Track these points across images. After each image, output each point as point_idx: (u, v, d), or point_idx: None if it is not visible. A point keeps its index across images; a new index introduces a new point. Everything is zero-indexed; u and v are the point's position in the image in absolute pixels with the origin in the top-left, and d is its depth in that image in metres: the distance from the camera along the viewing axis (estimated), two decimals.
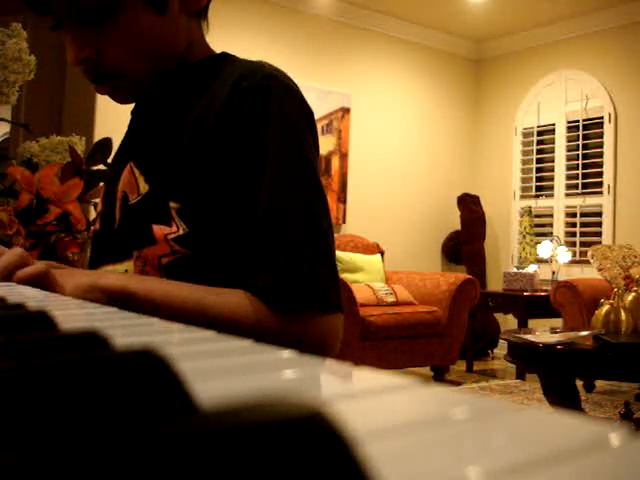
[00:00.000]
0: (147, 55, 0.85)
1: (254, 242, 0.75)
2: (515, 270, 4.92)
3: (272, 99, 0.78)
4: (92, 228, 1.06)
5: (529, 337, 2.86)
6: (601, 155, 5.07)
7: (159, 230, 0.79)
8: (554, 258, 4.91)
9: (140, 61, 0.85)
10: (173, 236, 0.79)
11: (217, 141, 0.78)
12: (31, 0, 0.84)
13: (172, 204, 0.79)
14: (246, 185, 0.77)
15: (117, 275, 0.79)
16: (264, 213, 0.75)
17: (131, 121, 0.96)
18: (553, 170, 5.35)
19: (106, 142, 1.61)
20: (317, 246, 0.75)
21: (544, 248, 4.90)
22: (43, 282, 0.72)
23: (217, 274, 0.78)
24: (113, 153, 1.01)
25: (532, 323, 4.59)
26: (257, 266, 0.75)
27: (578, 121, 5.21)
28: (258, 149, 0.77)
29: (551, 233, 5.26)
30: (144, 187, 0.83)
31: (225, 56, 0.90)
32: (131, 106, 0.96)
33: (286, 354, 0.28)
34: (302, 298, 0.73)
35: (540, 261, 5.03)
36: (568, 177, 5.26)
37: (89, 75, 0.86)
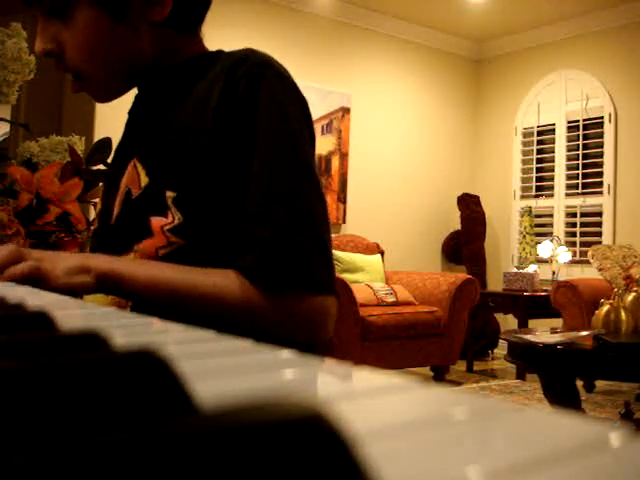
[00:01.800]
0: (101, 58, 0.85)
1: (243, 225, 0.76)
2: (515, 270, 4.91)
3: (263, 86, 0.79)
4: (92, 228, 1.06)
5: (529, 337, 2.86)
6: (601, 155, 5.06)
7: (156, 222, 0.80)
8: (554, 258, 4.91)
9: (95, 63, 0.86)
10: (169, 227, 0.79)
11: (212, 129, 0.79)
12: None
13: (168, 193, 0.80)
14: (237, 172, 0.78)
15: (104, 257, 0.79)
16: (252, 197, 0.76)
17: (128, 120, 0.96)
18: (553, 170, 5.35)
19: (106, 142, 1.61)
20: (306, 227, 0.75)
21: (544, 248, 4.90)
22: (34, 278, 0.72)
23: (213, 263, 0.78)
24: (112, 154, 1.01)
25: (532, 323, 4.59)
26: (245, 247, 0.75)
27: (578, 121, 5.21)
28: (248, 135, 0.78)
29: (551, 233, 5.26)
30: (145, 180, 0.83)
31: (220, 52, 0.91)
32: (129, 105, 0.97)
33: (286, 354, 0.28)
34: (288, 278, 0.73)
35: (540, 261, 5.03)
36: (568, 177, 5.26)
37: (61, 70, 0.88)
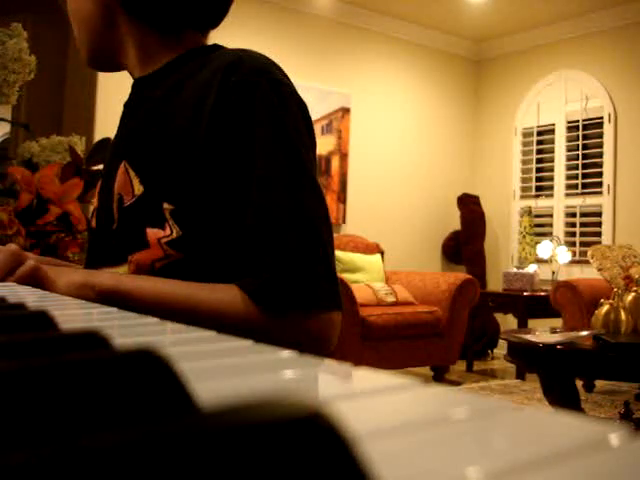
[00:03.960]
0: (75, 25, 0.94)
1: (245, 244, 0.75)
2: (515, 270, 4.91)
3: (258, 95, 0.77)
4: (89, 226, 1.05)
5: (529, 337, 2.86)
6: (601, 155, 5.07)
7: (153, 234, 0.78)
8: (554, 258, 4.91)
9: (75, 27, 0.95)
10: (167, 240, 0.77)
11: (209, 139, 0.77)
12: None
13: (166, 205, 0.78)
14: (235, 185, 0.76)
15: (108, 274, 0.78)
16: (254, 214, 0.74)
17: (123, 114, 0.95)
18: (553, 170, 5.35)
19: (106, 142, 1.61)
20: (309, 243, 0.74)
21: (544, 248, 4.90)
22: (35, 280, 0.72)
23: (211, 277, 0.77)
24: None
25: (532, 323, 4.59)
26: (247, 267, 0.74)
27: (578, 121, 5.21)
28: (245, 147, 0.76)
29: (551, 233, 5.26)
30: (139, 189, 0.81)
31: (214, 47, 0.89)
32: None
33: (286, 354, 0.28)
34: (294, 299, 0.73)
35: (540, 261, 5.03)
36: (568, 177, 5.26)
37: None
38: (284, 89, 0.80)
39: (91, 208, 0.97)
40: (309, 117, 0.83)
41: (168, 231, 0.78)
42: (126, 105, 0.95)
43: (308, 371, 0.25)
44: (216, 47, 0.89)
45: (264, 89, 0.77)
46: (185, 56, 0.88)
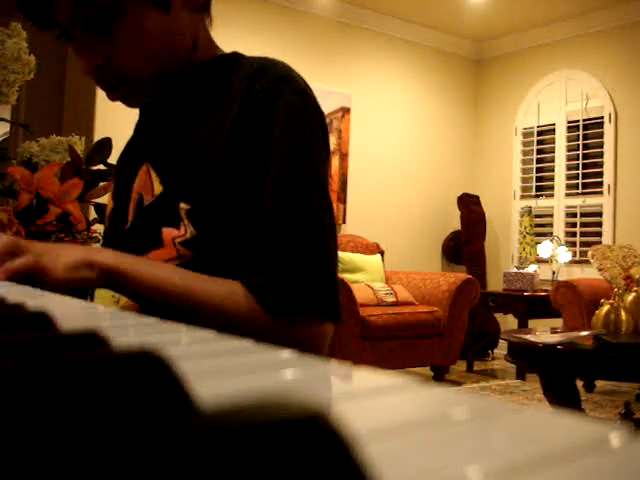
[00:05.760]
0: (155, 55, 0.84)
1: (254, 245, 0.76)
2: (515, 270, 4.91)
3: (280, 102, 0.78)
4: (92, 227, 1.06)
5: (529, 337, 2.86)
6: (601, 155, 5.06)
7: (168, 234, 0.79)
8: (554, 258, 4.91)
9: (149, 62, 0.84)
10: (180, 239, 0.79)
11: (231, 144, 0.78)
12: (33, 15, 0.84)
13: (182, 205, 0.79)
14: (251, 189, 0.77)
15: (110, 252, 0.77)
16: (265, 216, 0.76)
17: (141, 119, 0.95)
18: (553, 170, 5.35)
19: (106, 142, 1.61)
20: (316, 253, 0.76)
21: (544, 248, 4.90)
22: (33, 274, 0.70)
23: (221, 277, 0.78)
24: (123, 148, 0.99)
25: (532, 323, 4.59)
26: (255, 267, 0.75)
27: (578, 121, 5.21)
28: (263, 152, 0.77)
29: (551, 233, 5.26)
30: (158, 188, 0.83)
31: (236, 55, 0.90)
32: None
33: (286, 354, 0.28)
34: (296, 304, 0.74)
35: (540, 261, 5.03)
36: (568, 177, 5.26)
37: (102, 84, 0.85)
38: (305, 98, 0.81)
39: (94, 211, 0.97)
40: (326, 127, 0.84)
41: (182, 231, 0.79)
42: (143, 108, 0.95)
43: (308, 371, 0.25)
44: (237, 55, 0.90)
45: (286, 97, 0.79)
46: (207, 63, 0.89)
